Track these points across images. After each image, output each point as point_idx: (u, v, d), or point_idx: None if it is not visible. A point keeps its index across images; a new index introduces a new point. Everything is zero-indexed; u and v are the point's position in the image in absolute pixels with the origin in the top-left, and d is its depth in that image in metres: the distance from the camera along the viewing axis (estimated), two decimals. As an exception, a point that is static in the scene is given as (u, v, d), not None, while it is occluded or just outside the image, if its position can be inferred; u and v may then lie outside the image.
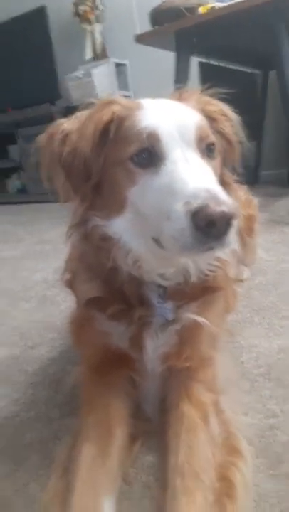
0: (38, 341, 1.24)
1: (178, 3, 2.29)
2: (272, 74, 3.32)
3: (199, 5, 2.26)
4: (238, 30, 2.32)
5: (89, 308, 0.81)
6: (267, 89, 3.53)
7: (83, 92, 3.62)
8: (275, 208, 2.53)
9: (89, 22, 3.91)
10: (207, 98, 0.81)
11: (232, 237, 0.61)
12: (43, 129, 0.77)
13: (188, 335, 0.77)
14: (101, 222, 0.74)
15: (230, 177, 0.83)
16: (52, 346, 1.19)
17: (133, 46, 2.74)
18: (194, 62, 2.69)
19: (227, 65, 3.14)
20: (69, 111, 0.82)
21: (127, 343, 0.78)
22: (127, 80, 4.02)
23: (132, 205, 0.70)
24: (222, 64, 3.05)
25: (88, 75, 3.70)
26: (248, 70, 3.47)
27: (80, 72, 3.79)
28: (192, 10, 2.26)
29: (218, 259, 0.76)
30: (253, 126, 2.66)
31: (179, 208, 0.59)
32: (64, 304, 1.49)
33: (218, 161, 0.75)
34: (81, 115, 0.75)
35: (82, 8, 3.87)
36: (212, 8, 2.19)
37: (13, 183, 4.83)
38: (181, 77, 2.32)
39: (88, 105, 0.77)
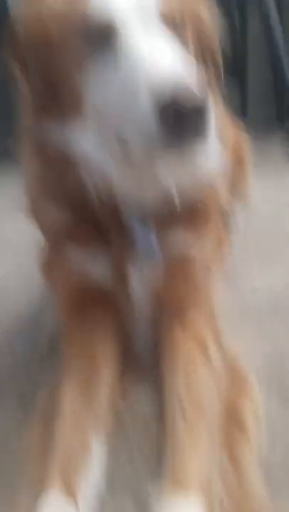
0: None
1: None
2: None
3: None
4: None
5: (57, 242, 0.70)
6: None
7: None
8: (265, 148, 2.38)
9: None
10: None
11: (210, 136, 0.51)
12: None
13: (178, 266, 0.69)
14: (57, 131, 0.60)
15: (222, 107, 0.71)
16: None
17: None
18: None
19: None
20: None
21: (108, 280, 0.68)
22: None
23: (90, 105, 0.57)
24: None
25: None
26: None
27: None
28: None
29: (203, 176, 0.66)
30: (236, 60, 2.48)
31: (143, 103, 0.48)
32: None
33: (191, 49, 0.62)
34: None
35: None
36: None
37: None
38: None
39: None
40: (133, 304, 0.70)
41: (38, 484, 0.52)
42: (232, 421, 0.57)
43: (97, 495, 0.53)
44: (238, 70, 3.22)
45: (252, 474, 0.51)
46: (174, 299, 0.70)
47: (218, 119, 0.65)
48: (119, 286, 0.69)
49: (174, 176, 0.60)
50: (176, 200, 0.62)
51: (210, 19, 0.67)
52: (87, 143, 0.59)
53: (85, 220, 0.66)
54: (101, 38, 0.53)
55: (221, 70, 0.71)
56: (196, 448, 0.52)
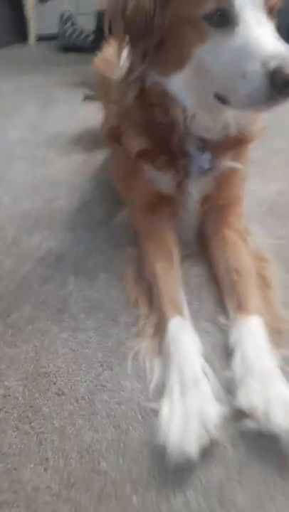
0: (52, 196, 1.33)
1: None
2: None
3: None
4: None
5: (138, 160, 0.95)
6: None
7: None
8: None
9: None
10: None
11: None
12: None
13: (226, 179, 0.97)
14: (159, 79, 0.83)
15: None
16: (70, 200, 1.30)
17: None
18: None
19: None
20: None
21: (173, 189, 0.96)
22: None
23: (196, 63, 0.77)
24: None
25: None
26: None
27: None
28: None
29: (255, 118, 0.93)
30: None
31: (257, 68, 0.69)
32: (58, 162, 1.55)
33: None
34: None
35: None
36: None
37: None
38: None
39: None
40: (189, 207, 0.99)
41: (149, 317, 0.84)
42: (260, 279, 0.90)
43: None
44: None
45: (277, 307, 0.86)
46: (221, 202, 1.00)
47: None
48: (180, 194, 0.97)
49: (236, 117, 0.88)
50: (233, 131, 0.91)
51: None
52: (183, 88, 0.83)
53: (160, 145, 0.92)
54: (222, 18, 0.72)
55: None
56: (252, 289, 0.85)
